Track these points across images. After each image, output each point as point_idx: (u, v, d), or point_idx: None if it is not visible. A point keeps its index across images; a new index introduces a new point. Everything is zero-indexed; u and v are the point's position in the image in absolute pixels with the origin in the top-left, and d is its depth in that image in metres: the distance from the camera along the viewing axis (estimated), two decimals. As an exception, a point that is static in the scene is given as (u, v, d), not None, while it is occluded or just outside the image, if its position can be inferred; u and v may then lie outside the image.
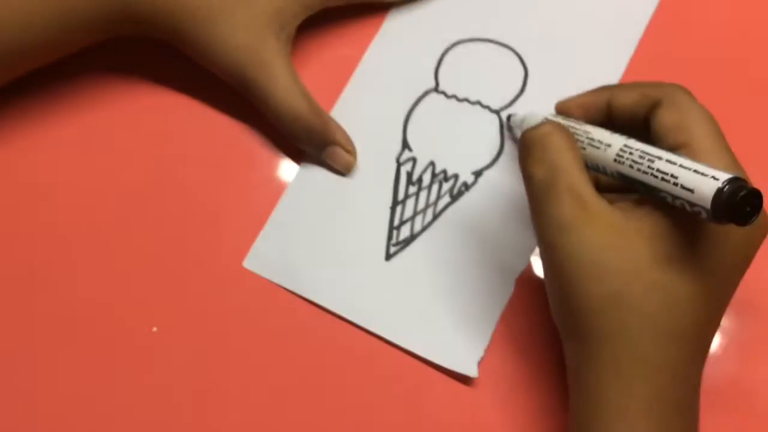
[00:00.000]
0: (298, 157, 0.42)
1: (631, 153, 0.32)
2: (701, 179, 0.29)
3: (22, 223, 0.41)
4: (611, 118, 0.36)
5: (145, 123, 0.43)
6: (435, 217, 0.41)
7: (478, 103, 0.43)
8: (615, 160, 0.33)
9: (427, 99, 0.43)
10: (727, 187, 0.28)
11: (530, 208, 0.34)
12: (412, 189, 0.42)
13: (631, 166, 0.32)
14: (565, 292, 0.32)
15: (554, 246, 0.32)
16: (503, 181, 0.42)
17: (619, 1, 0.45)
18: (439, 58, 0.44)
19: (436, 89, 0.43)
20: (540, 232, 0.33)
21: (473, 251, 0.41)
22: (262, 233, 0.41)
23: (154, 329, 0.39)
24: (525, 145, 0.35)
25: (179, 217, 0.41)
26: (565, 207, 0.32)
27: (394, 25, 0.44)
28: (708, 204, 0.29)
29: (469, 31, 0.44)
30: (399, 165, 0.42)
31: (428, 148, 0.42)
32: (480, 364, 0.39)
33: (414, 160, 0.42)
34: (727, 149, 0.32)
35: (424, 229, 0.41)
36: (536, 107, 0.42)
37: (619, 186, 0.35)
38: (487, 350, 0.39)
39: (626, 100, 0.35)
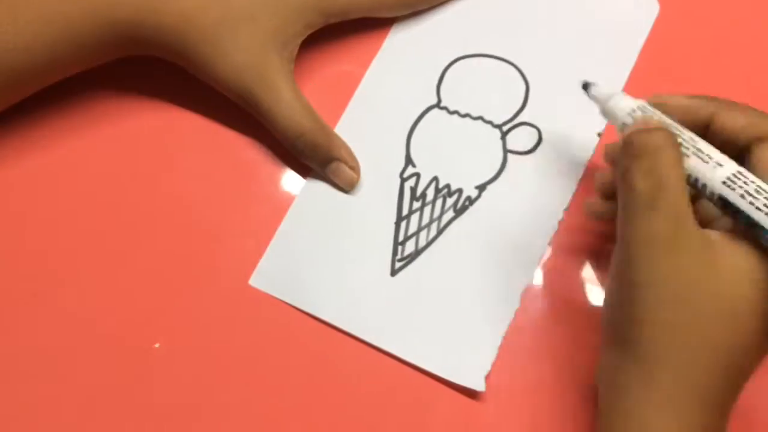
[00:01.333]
0: (304, 173, 0.42)
1: (745, 183, 0.31)
2: None
3: (25, 240, 0.41)
4: (708, 132, 0.34)
5: (149, 140, 0.43)
6: (439, 232, 0.41)
7: (480, 118, 0.43)
8: (725, 183, 0.32)
9: (429, 115, 0.44)
10: None
11: (622, 215, 0.33)
12: (416, 204, 0.42)
13: (743, 196, 0.31)
14: (632, 306, 0.32)
15: (639, 258, 0.32)
16: (507, 195, 0.42)
17: (618, 14, 0.45)
18: (441, 74, 0.44)
19: (438, 105, 0.44)
20: (627, 241, 0.32)
21: (478, 265, 0.41)
22: (267, 251, 0.41)
23: (156, 345, 0.40)
24: (634, 149, 0.33)
25: (184, 234, 0.41)
26: (663, 225, 0.31)
27: (396, 41, 0.45)
28: None
29: (471, 46, 0.45)
30: (403, 181, 0.42)
31: (431, 163, 0.43)
32: (487, 378, 0.39)
33: (417, 175, 0.42)
34: None
35: (428, 244, 0.41)
36: (538, 122, 0.43)
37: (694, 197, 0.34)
38: (494, 364, 0.39)
39: (734, 122, 0.34)
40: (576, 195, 0.42)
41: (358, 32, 0.45)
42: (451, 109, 0.44)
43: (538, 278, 0.40)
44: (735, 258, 0.31)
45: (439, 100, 0.44)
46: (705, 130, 0.34)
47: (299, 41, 0.41)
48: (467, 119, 0.43)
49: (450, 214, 0.42)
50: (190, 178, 0.42)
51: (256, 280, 0.41)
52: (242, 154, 0.43)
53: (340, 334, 0.40)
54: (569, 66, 0.44)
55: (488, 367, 0.39)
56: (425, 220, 0.42)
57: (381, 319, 0.40)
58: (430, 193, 0.42)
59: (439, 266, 0.41)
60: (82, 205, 0.42)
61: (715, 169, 0.32)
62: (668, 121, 0.34)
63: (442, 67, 0.44)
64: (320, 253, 0.41)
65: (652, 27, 0.45)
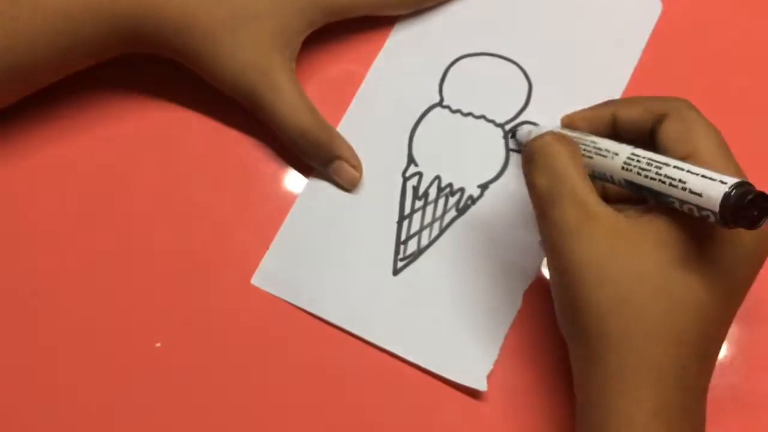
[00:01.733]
0: (306, 172, 0.42)
1: (638, 161, 0.32)
2: (709, 183, 0.29)
3: (27, 237, 0.41)
4: (617, 131, 0.36)
5: (152, 138, 0.43)
6: (442, 231, 0.41)
7: (483, 117, 0.43)
8: (623, 167, 0.33)
9: (431, 114, 0.44)
10: (734, 191, 0.29)
11: (535, 216, 0.35)
12: (419, 203, 0.42)
13: (639, 173, 0.32)
14: (570, 297, 0.32)
15: (559, 251, 0.33)
16: (509, 194, 0.42)
17: (621, 15, 0.45)
18: (444, 72, 0.44)
19: (440, 104, 0.44)
20: (545, 239, 0.34)
21: (481, 264, 0.41)
22: (269, 250, 0.41)
23: (158, 345, 0.39)
24: (528, 154, 0.35)
25: (186, 233, 0.41)
26: (569, 213, 0.32)
27: (398, 40, 0.45)
28: (716, 207, 0.29)
29: (473, 45, 0.45)
30: (405, 180, 0.42)
31: (434, 162, 0.42)
32: (489, 377, 0.38)
33: (420, 174, 0.42)
34: (732, 159, 0.33)
35: (431, 243, 0.41)
36: (540, 120, 0.43)
37: (627, 196, 0.35)
38: (496, 363, 0.39)
39: (631, 114, 0.35)
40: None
41: (361, 31, 0.44)
42: (454, 108, 0.44)
43: (540, 278, 0.40)
44: (645, 227, 0.32)
45: (442, 99, 0.44)
46: (614, 131, 0.36)
47: (301, 39, 0.41)
48: (470, 118, 0.43)
49: (452, 213, 0.42)
50: (191, 176, 0.42)
51: (258, 280, 0.41)
52: (245, 153, 0.43)
53: (342, 334, 0.40)
54: (572, 65, 0.44)
55: (491, 367, 0.39)
56: (427, 219, 0.42)
57: (383, 318, 0.40)
58: (433, 192, 0.42)
59: (441, 265, 0.41)
60: (85, 203, 0.42)
61: (613, 158, 0.34)
62: (571, 133, 0.36)
63: (445, 66, 0.44)
64: (322, 252, 0.41)
65: (655, 26, 0.45)
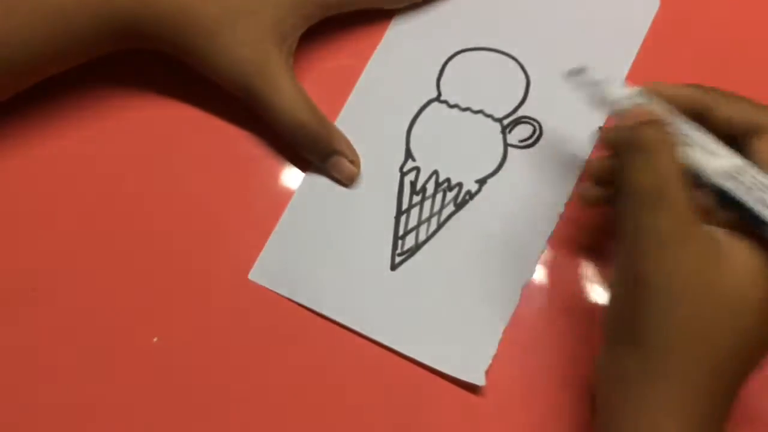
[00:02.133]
0: (303, 167, 0.42)
1: (752, 177, 0.31)
2: None
3: (24, 232, 0.41)
4: (704, 123, 0.34)
5: (149, 133, 0.43)
6: (439, 226, 0.41)
7: (481, 112, 0.43)
8: (725, 175, 0.32)
9: (429, 109, 0.43)
10: None
11: (622, 212, 0.33)
12: (416, 198, 0.42)
13: (744, 189, 0.31)
14: (639, 306, 0.32)
15: (644, 256, 0.31)
16: (507, 190, 0.42)
17: (618, 11, 0.45)
18: (441, 67, 0.44)
19: (438, 99, 0.44)
20: (633, 240, 0.32)
21: (478, 260, 0.41)
22: (267, 245, 0.41)
23: (155, 340, 0.39)
24: (634, 146, 0.33)
25: (183, 228, 0.41)
26: (666, 222, 0.31)
27: (396, 35, 0.45)
28: None
29: (471, 40, 0.45)
30: (402, 175, 0.42)
31: (431, 157, 0.42)
32: (487, 372, 0.38)
33: (417, 169, 0.42)
34: None
35: (428, 238, 0.41)
36: (539, 116, 0.43)
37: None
38: (494, 358, 0.39)
39: (731, 114, 0.34)
40: (576, 189, 0.42)
41: (358, 25, 0.44)
42: (452, 102, 0.43)
43: (539, 274, 0.40)
44: (739, 256, 0.31)
45: (439, 94, 0.44)
46: (702, 120, 0.34)
47: (298, 34, 0.41)
48: (467, 113, 0.43)
49: (450, 208, 0.42)
50: (189, 172, 0.42)
51: (255, 275, 0.40)
52: (242, 148, 0.42)
53: (340, 329, 0.39)
54: (570, 60, 0.44)
55: (489, 362, 0.39)
56: (425, 214, 0.42)
57: (381, 313, 0.40)
58: (430, 187, 0.42)
59: (439, 260, 0.41)
60: (81, 198, 0.42)
61: (715, 160, 0.32)
62: (665, 109, 0.34)
63: (443, 61, 0.44)
64: (320, 247, 0.41)
65: (652, 22, 0.45)
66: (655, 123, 0.33)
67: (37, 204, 0.42)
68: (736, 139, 0.34)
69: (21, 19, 0.37)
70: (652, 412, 0.31)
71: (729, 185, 0.32)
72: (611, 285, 0.34)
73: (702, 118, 0.34)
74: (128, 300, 0.40)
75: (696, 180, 0.33)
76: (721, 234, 0.32)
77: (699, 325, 0.31)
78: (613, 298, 0.34)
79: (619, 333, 0.33)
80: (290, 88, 0.40)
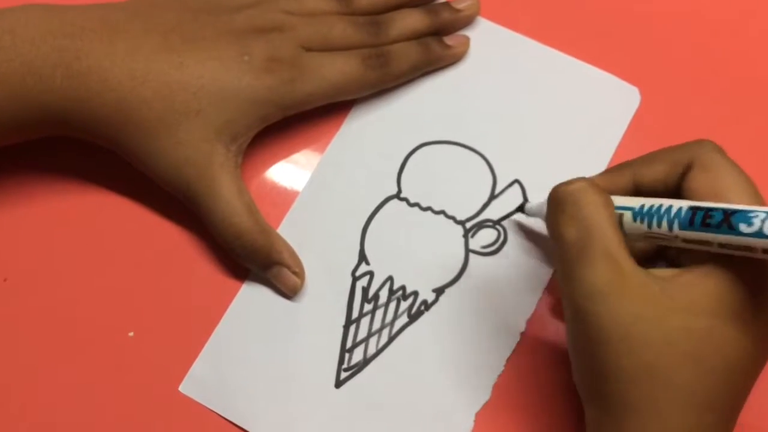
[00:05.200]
0: (243, 273, 0.39)
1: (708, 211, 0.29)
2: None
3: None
4: (639, 194, 0.33)
5: (82, 224, 0.40)
6: (391, 339, 0.38)
7: (443, 212, 0.40)
8: (687, 222, 0.30)
9: (387, 206, 0.40)
10: None
11: (559, 270, 0.32)
12: (368, 307, 0.39)
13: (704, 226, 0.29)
14: (592, 362, 0.30)
15: (585, 313, 0.30)
16: (466, 302, 0.38)
17: (597, 107, 0.41)
18: (403, 161, 0.41)
19: (398, 196, 0.40)
20: (569, 297, 0.31)
21: (431, 379, 0.37)
22: (200, 356, 0.38)
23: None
24: (556, 201, 0.32)
25: (109, 333, 0.38)
26: (600, 272, 0.30)
27: (354, 125, 0.42)
28: None
29: (436, 132, 0.41)
30: (354, 279, 0.39)
31: (387, 261, 0.39)
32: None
33: (371, 274, 0.39)
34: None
35: (378, 352, 0.38)
36: (504, 221, 0.40)
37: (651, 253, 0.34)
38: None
39: (656, 175, 0.33)
40: (540, 303, 0.38)
41: (315, 116, 0.41)
42: (412, 201, 0.40)
43: (495, 397, 0.37)
44: (677, 292, 0.30)
45: (400, 191, 0.41)
46: (640, 194, 0.33)
47: (252, 134, 0.38)
48: (428, 213, 0.40)
49: (404, 319, 0.38)
50: (121, 270, 0.39)
51: (186, 387, 0.37)
52: (176, 248, 0.39)
53: (276, 451, 0.36)
54: (542, 158, 0.41)
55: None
56: (376, 325, 0.38)
57: (321, 436, 0.36)
58: (383, 295, 0.39)
59: (388, 379, 0.37)
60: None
61: (672, 212, 0.30)
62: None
63: (404, 154, 0.41)
64: (258, 360, 0.38)
65: (627, 126, 0.41)
66: (574, 179, 0.32)
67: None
68: (672, 191, 0.32)
69: None
70: None
71: (688, 233, 0.30)
72: (569, 348, 0.32)
73: (636, 191, 0.33)
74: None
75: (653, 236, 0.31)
76: (662, 273, 0.30)
77: (652, 369, 0.29)
78: (573, 360, 0.32)
79: (588, 394, 0.32)
80: (230, 193, 0.37)
